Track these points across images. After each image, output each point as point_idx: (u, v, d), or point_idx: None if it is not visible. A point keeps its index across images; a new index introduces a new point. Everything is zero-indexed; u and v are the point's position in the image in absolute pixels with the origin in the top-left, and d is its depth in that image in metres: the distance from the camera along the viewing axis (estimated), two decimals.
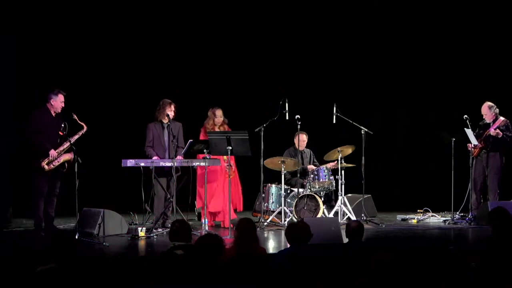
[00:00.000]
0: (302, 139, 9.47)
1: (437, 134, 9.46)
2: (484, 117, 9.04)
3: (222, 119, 8.70)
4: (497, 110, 9.00)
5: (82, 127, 8.01)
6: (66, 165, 7.98)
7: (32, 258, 5.75)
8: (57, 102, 7.97)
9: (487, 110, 8.97)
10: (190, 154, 8.28)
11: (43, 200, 7.96)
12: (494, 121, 8.94)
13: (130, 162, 7.91)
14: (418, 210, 9.84)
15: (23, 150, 8.28)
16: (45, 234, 7.78)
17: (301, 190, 8.83)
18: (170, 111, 8.29)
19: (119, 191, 9.76)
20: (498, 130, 8.78)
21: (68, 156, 7.93)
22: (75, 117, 7.95)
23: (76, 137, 7.94)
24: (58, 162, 7.89)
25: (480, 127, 9.06)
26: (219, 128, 8.63)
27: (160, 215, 8.20)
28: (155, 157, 8.18)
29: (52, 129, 7.97)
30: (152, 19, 10.47)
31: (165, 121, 8.33)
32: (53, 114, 8.00)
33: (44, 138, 7.90)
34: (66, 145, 7.91)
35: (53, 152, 7.84)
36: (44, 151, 7.84)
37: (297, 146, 9.25)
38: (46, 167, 7.83)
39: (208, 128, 8.59)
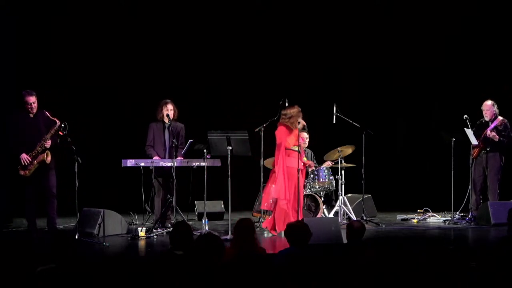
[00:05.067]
0: (302, 137, 9.47)
1: (437, 134, 9.45)
2: (484, 114, 9.01)
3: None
4: (498, 110, 9.01)
5: (55, 123, 7.81)
6: (48, 159, 7.81)
7: (32, 258, 5.75)
8: (26, 106, 7.80)
9: (490, 106, 8.95)
10: (190, 154, 8.29)
11: (33, 202, 7.90)
12: (492, 120, 8.95)
13: (130, 162, 7.91)
14: (418, 210, 9.85)
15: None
16: (38, 235, 7.76)
17: None
18: (167, 111, 8.27)
19: (119, 191, 9.77)
20: (494, 133, 8.79)
21: (42, 157, 7.80)
22: (47, 114, 7.82)
23: (49, 135, 7.78)
24: (33, 165, 7.77)
25: (478, 127, 9.05)
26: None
27: (160, 215, 8.20)
28: (156, 157, 8.17)
29: (30, 131, 7.82)
30: (154, 19, 10.48)
31: (166, 121, 8.32)
32: (31, 115, 7.85)
33: (21, 142, 7.76)
34: (39, 145, 7.76)
35: (24, 156, 7.71)
36: (15, 156, 7.73)
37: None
38: (22, 173, 7.76)
39: (293, 129, 8.04)
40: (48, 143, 7.79)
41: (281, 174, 7.89)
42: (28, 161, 7.75)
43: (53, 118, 7.83)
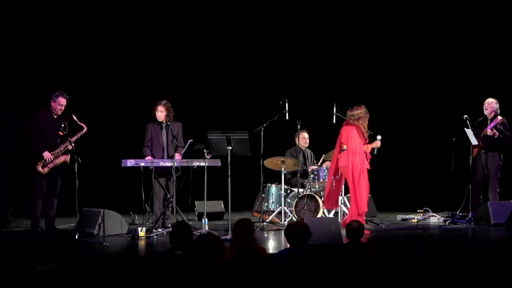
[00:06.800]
0: (304, 137, 9.49)
1: (437, 134, 9.45)
2: (484, 108, 9.02)
3: None
4: (499, 110, 9.02)
5: (82, 128, 7.99)
6: (68, 161, 7.94)
7: (32, 258, 5.75)
8: (56, 105, 7.93)
9: (492, 102, 8.97)
10: (190, 154, 8.28)
11: (41, 200, 7.93)
12: (492, 119, 8.95)
13: (130, 162, 7.91)
14: (418, 210, 9.85)
15: (22, 150, 8.26)
16: (44, 234, 7.76)
17: (301, 190, 8.83)
18: (159, 111, 8.25)
19: (119, 191, 9.77)
20: (494, 130, 8.79)
21: (64, 158, 7.92)
22: (75, 118, 7.93)
23: (75, 138, 7.90)
24: (53, 164, 7.86)
25: (477, 125, 9.05)
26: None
27: (160, 215, 8.20)
28: (148, 157, 8.15)
29: (51, 130, 7.93)
30: (154, 19, 10.49)
31: (164, 121, 8.31)
32: (54, 116, 7.97)
33: (41, 139, 7.86)
34: (63, 146, 7.89)
35: (47, 155, 7.80)
36: (38, 152, 7.81)
37: (298, 145, 9.23)
38: (41, 170, 7.81)
39: (364, 131, 8.16)
40: (70, 146, 7.83)
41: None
42: (50, 159, 7.82)
43: (80, 123, 7.97)
